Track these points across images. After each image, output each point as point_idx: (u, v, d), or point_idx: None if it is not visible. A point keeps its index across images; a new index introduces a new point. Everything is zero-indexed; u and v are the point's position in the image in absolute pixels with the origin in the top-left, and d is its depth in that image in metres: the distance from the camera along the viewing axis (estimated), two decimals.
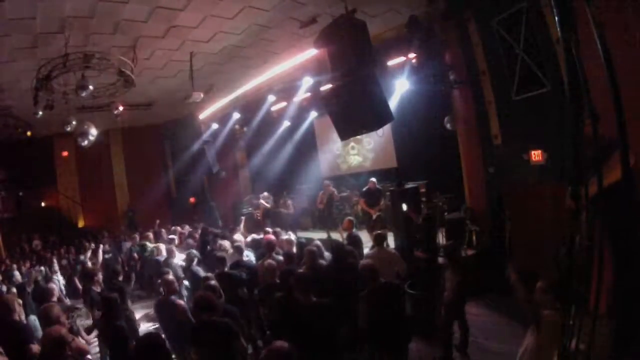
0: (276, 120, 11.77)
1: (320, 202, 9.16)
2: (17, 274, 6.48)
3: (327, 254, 5.10)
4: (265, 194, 10.20)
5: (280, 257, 4.98)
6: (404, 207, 6.27)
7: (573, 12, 1.37)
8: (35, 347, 3.11)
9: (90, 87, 6.41)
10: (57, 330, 2.54)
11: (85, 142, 7.38)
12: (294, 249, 5.54)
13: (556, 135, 5.32)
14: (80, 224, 13.70)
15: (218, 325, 2.99)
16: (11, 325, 3.43)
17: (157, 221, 10.17)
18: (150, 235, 8.75)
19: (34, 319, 3.99)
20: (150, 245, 7.97)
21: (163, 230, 9.51)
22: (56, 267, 7.54)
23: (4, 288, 5.69)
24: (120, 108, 8.42)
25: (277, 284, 4.03)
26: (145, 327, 5.62)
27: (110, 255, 8.16)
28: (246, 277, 4.68)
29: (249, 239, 6.61)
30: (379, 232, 5.16)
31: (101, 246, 8.00)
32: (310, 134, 11.88)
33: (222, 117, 11.50)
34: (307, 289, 3.11)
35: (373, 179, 8.18)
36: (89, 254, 7.87)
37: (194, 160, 10.88)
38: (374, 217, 7.74)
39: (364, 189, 8.13)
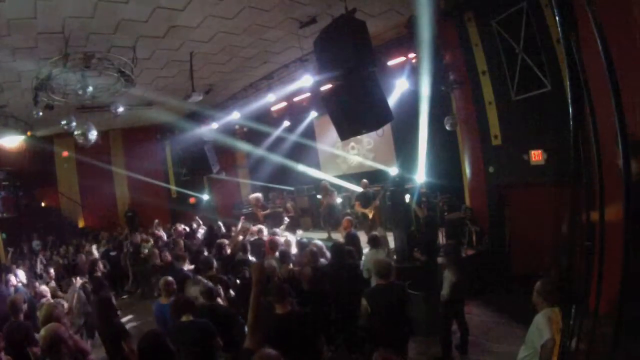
0: (276, 120, 11.77)
1: (321, 203, 9.22)
2: (20, 273, 6.44)
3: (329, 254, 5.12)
4: (258, 195, 10.07)
5: None
6: (407, 197, 6.29)
7: (573, 12, 1.36)
8: (38, 349, 3.12)
9: (90, 87, 6.41)
10: (53, 328, 2.54)
11: (86, 142, 7.37)
12: (293, 250, 5.54)
13: (556, 135, 5.33)
14: (80, 224, 13.68)
15: (197, 326, 3.18)
16: (17, 326, 3.45)
17: (156, 221, 10.17)
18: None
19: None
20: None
21: (161, 230, 9.51)
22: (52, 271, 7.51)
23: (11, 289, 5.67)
24: (121, 108, 8.41)
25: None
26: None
27: (115, 254, 8.21)
28: (250, 276, 4.69)
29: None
30: (371, 235, 5.23)
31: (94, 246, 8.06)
32: (310, 134, 11.87)
33: (223, 117, 11.50)
34: (283, 298, 3.06)
35: (364, 180, 8.43)
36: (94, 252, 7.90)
37: (194, 160, 10.85)
38: (370, 217, 7.84)
39: (358, 192, 8.36)
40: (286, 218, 8.19)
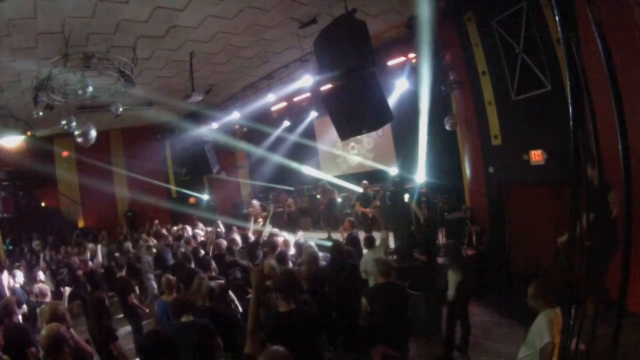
0: (276, 120, 11.78)
1: (321, 204, 9.24)
2: (19, 273, 6.43)
3: (322, 254, 5.10)
4: (255, 201, 10.04)
5: None
6: (406, 197, 6.30)
7: (573, 12, 1.36)
8: (37, 350, 3.11)
9: (90, 87, 6.41)
10: (55, 328, 2.53)
11: (86, 142, 7.37)
12: (292, 250, 5.53)
13: (556, 135, 5.33)
14: (80, 224, 13.69)
15: (197, 326, 3.16)
16: (14, 327, 3.44)
17: (156, 221, 10.16)
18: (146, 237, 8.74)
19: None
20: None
21: (164, 229, 9.50)
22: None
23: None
24: (120, 108, 8.41)
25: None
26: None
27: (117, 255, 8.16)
28: (241, 277, 4.67)
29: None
30: (367, 235, 5.23)
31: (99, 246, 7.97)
32: (310, 134, 11.88)
33: (223, 117, 11.51)
34: (286, 296, 3.03)
35: (364, 182, 8.49)
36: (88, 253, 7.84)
37: (194, 160, 10.86)
38: (370, 217, 7.89)
39: (358, 193, 8.45)
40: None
